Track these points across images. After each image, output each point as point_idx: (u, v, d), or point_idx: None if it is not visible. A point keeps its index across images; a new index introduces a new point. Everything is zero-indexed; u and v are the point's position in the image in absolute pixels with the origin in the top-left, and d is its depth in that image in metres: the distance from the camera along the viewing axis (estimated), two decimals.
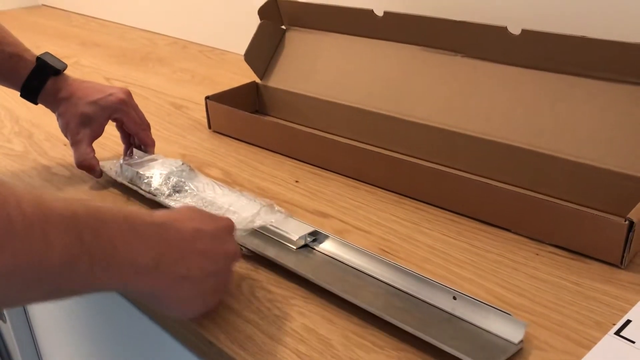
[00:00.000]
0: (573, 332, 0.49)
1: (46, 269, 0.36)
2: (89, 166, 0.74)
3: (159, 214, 0.47)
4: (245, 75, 1.00)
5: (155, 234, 0.44)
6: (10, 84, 0.78)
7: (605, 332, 0.49)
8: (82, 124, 0.74)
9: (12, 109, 1.03)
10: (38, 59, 0.76)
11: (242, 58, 0.93)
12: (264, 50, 0.95)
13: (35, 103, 0.78)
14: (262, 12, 0.92)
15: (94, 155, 0.74)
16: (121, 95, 0.76)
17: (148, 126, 0.79)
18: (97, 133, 0.76)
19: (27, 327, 1.11)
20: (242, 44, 0.95)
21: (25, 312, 1.09)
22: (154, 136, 0.79)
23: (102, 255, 0.39)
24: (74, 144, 0.75)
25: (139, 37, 1.51)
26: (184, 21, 1.45)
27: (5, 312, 1.06)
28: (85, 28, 1.64)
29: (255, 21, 0.93)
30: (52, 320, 0.99)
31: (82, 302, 0.82)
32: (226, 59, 1.29)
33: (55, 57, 0.78)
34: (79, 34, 1.58)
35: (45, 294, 0.39)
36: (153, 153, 0.78)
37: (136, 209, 0.48)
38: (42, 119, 0.96)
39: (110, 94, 0.76)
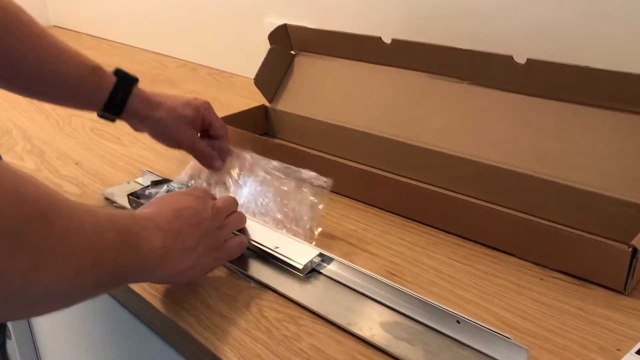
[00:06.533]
0: (577, 357, 0.49)
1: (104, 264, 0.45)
2: (212, 156, 0.76)
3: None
4: (253, 98, 1.02)
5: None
6: (86, 101, 0.74)
7: (608, 357, 0.49)
8: (186, 126, 0.75)
9: (25, 127, 1.04)
10: (116, 70, 0.74)
11: (250, 81, 0.94)
12: (274, 74, 0.96)
13: (114, 120, 0.74)
14: (272, 37, 0.94)
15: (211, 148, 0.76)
16: (204, 99, 0.78)
17: (227, 132, 0.80)
18: (198, 133, 0.77)
19: (32, 344, 1.11)
20: (249, 68, 0.96)
21: (30, 328, 1.09)
22: (169, 157, 0.80)
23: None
24: (190, 145, 0.75)
25: (149, 59, 1.54)
26: (194, 44, 1.48)
27: (10, 328, 1.07)
28: (96, 49, 1.67)
29: (265, 46, 0.95)
30: (55, 336, 1.00)
31: (86, 317, 0.82)
32: (234, 82, 1.31)
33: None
34: (91, 55, 1.59)
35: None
36: (221, 165, 0.78)
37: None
38: (54, 138, 0.98)
39: (195, 98, 0.77)
